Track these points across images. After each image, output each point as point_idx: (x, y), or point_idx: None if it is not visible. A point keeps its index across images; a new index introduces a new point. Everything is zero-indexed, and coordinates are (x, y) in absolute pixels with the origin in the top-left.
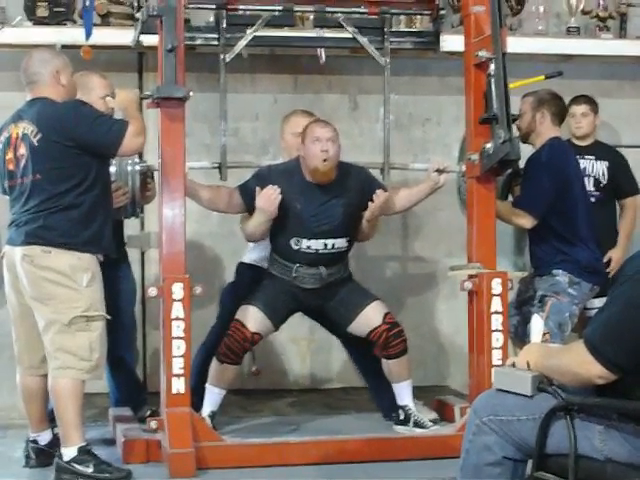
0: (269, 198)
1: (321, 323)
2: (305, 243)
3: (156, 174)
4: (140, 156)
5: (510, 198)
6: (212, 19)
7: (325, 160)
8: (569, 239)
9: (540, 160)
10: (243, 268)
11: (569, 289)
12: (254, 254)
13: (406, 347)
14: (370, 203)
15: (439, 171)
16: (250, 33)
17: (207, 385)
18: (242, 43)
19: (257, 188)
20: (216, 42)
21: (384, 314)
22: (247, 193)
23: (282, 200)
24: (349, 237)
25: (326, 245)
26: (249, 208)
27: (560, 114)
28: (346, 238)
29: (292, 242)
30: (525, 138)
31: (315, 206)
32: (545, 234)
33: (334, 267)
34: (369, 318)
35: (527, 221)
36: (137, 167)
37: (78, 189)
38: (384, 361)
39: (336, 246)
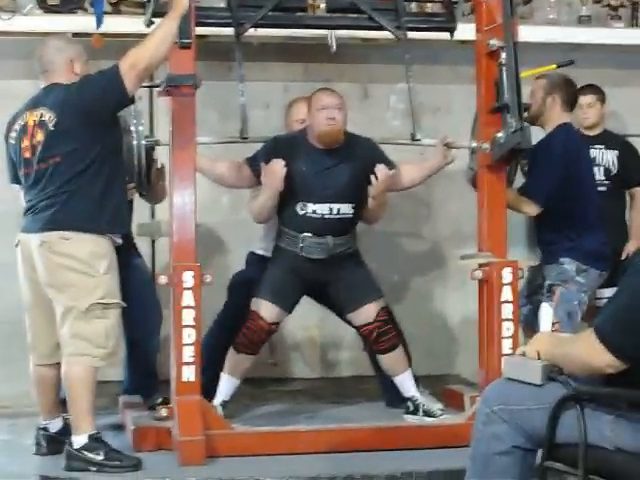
0: (274, 172)
1: (323, 303)
2: (311, 207)
3: (167, 166)
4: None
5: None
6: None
7: (332, 125)
8: (577, 226)
9: (549, 146)
10: (253, 258)
11: (577, 277)
12: (264, 244)
13: (396, 342)
14: (373, 179)
15: (447, 145)
16: (262, 11)
17: (222, 374)
18: (256, 18)
19: (262, 163)
20: (227, 27)
21: (378, 311)
22: (255, 164)
23: (287, 167)
24: (354, 204)
25: (331, 210)
26: (258, 180)
27: (571, 101)
28: (351, 204)
29: (298, 207)
30: (534, 120)
31: (320, 169)
32: (554, 221)
33: (341, 237)
34: (367, 312)
35: (532, 209)
36: (143, 142)
37: (91, 168)
38: (378, 356)
39: (342, 211)
